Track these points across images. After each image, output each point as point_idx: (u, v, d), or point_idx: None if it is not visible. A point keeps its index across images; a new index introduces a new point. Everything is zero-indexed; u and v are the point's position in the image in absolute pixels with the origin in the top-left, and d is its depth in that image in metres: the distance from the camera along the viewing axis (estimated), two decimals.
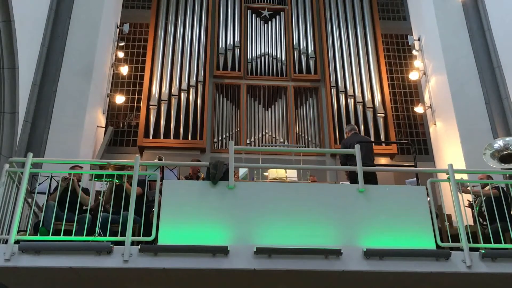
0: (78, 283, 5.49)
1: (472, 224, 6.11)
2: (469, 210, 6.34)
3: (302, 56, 11.60)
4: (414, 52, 10.97)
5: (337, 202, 5.47)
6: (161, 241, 5.07)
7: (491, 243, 5.42)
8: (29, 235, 5.45)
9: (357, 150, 5.80)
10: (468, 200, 6.42)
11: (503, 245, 5.37)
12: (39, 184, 5.83)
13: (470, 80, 9.43)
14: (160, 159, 7.90)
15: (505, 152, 6.40)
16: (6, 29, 6.95)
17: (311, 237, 5.20)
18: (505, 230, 5.60)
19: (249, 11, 12.21)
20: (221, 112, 11.04)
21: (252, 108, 11.16)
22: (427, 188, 5.64)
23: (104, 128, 9.84)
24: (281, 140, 10.73)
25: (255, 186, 5.87)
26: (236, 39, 11.66)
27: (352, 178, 6.50)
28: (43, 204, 5.80)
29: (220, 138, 10.70)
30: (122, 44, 10.81)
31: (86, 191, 6.20)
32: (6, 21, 6.91)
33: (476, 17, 9.81)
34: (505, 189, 6.01)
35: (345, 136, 7.63)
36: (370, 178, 6.39)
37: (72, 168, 6.43)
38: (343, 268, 5.08)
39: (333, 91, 11.17)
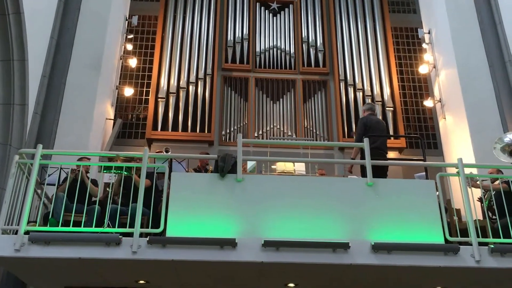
0: (86, 274, 5.54)
1: (481, 218, 6.08)
2: (478, 204, 6.31)
3: (311, 49, 11.54)
4: (424, 46, 10.86)
5: (345, 195, 5.47)
6: (169, 233, 5.09)
7: (500, 237, 5.39)
8: (38, 226, 5.51)
9: (366, 144, 5.77)
10: (478, 197, 6.38)
11: None
12: (49, 175, 5.87)
13: (480, 74, 9.32)
14: (166, 151, 7.91)
15: None
16: (16, 21, 6.97)
17: (319, 230, 5.21)
18: None
19: (257, 4, 12.15)
20: (229, 105, 11.02)
21: (260, 101, 11.14)
22: (436, 182, 5.62)
23: (112, 120, 9.86)
24: (289, 134, 10.71)
25: (263, 179, 5.88)
26: (244, 32, 11.62)
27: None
28: (53, 195, 5.84)
29: (228, 131, 10.69)
30: (130, 36, 10.79)
31: (94, 182, 6.24)
32: (16, 13, 6.92)
33: (488, 10, 9.68)
34: None
35: (361, 115, 7.46)
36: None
37: (79, 160, 6.47)
38: (351, 261, 5.09)
39: (342, 85, 11.11)
